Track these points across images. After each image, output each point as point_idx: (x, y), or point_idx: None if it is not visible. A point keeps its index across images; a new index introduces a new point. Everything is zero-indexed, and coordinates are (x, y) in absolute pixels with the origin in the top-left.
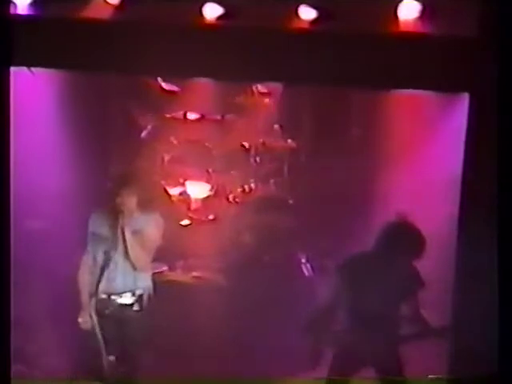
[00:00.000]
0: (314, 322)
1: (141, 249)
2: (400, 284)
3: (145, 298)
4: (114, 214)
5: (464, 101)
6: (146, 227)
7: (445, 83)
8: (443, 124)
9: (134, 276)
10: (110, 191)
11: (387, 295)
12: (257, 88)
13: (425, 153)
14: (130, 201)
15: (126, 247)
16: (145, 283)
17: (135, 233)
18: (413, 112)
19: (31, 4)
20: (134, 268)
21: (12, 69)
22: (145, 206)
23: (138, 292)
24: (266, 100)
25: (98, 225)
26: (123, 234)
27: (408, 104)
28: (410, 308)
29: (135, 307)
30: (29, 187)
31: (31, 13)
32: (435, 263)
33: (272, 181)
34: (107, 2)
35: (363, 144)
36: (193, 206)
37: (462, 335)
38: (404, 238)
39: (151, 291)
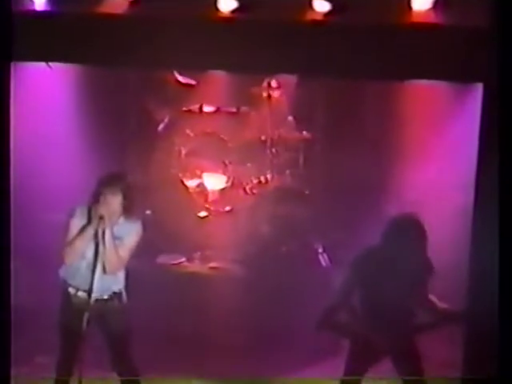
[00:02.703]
0: (329, 315)
1: (116, 255)
2: (411, 274)
3: (119, 296)
4: (97, 216)
5: (478, 91)
6: (127, 236)
7: (459, 74)
8: (458, 114)
9: (108, 276)
10: (94, 191)
11: (399, 286)
12: (271, 80)
13: (439, 143)
14: (113, 201)
15: (103, 248)
16: (119, 283)
17: (115, 238)
18: (427, 103)
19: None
20: (104, 271)
21: (29, 64)
22: (129, 211)
23: (112, 291)
24: (281, 92)
25: (83, 221)
26: (103, 236)
27: (422, 95)
28: (421, 296)
29: (112, 304)
30: (44, 182)
31: (48, 8)
32: (448, 252)
33: (288, 172)
34: None
35: (378, 135)
36: (210, 198)
37: (474, 324)
38: (407, 230)
39: (124, 291)
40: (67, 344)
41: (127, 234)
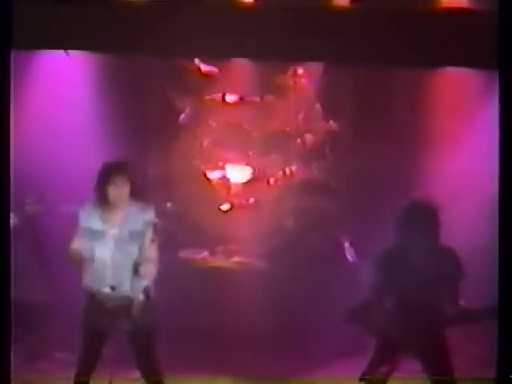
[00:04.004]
0: (359, 310)
1: (151, 261)
2: (439, 270)
3: (147, 292)
4: (107, 206)
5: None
6: (144, 230)
7: (487, 60)
8: (489, 102)
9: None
10: (101, 181)
11: (426, 281)
12: (296, 68)
13: (470, 133)
14: (123, 190)
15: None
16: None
17: (133, 235)
18: (457, 90)
19: None
20: (139, 275)
21: (50, 52)
22: (137, 194)
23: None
24: (306, 81)
25: (91, 219)
26: (117, 226)
27: (452, 82)
28: (450, 291)
29: (137, 301)
30: (62, 174)
31: None
32: (478, 243)
33: (314, 164)
34: None
35: (406, 124)
36: (233, 190)
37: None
38: (418, 216)
39: (151, 287)
40: (90, 341)
41: (142, 227)
